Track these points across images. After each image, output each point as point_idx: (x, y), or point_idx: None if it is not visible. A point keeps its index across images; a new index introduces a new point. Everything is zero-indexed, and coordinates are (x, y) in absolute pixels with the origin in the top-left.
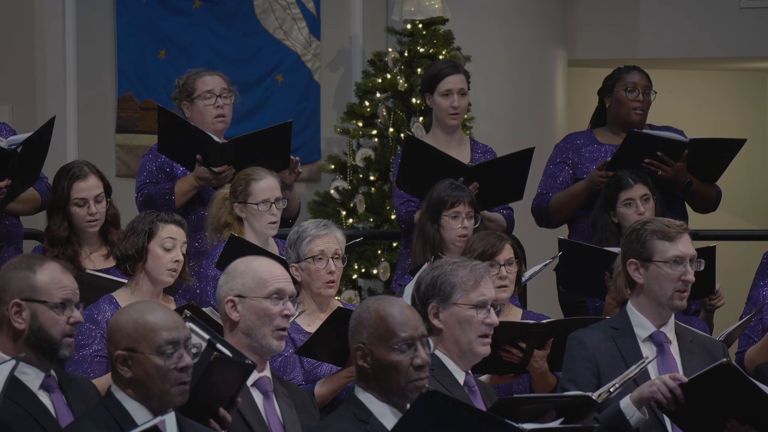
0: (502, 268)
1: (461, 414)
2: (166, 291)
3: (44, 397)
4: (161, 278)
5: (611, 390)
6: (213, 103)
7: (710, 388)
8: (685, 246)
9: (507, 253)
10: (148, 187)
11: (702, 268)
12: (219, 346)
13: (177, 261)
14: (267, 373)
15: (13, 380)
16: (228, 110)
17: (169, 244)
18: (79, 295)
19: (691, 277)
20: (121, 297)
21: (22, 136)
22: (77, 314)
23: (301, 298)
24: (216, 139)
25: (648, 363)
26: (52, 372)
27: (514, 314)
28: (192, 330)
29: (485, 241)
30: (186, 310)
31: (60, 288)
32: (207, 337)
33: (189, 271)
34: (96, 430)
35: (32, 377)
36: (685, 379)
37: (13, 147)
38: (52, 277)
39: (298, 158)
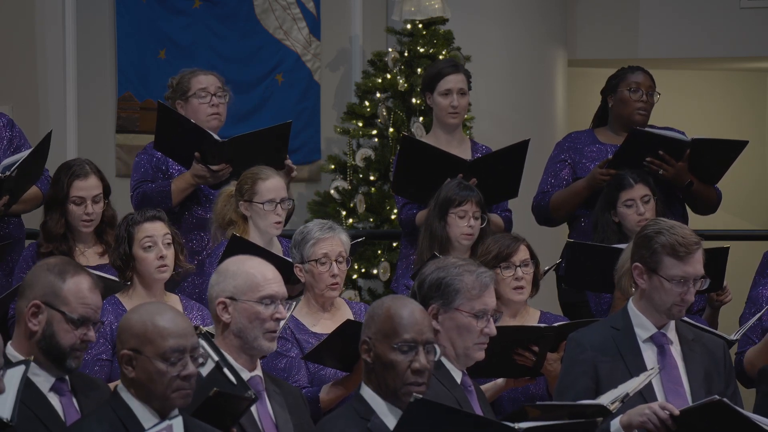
0: (518, 269)
1: (454, 418)
2: (173, 289)
3: (54, 400)
4: (154, 277)
5: (624, 400)
6: (208, 102)
7: (703, 420)
8: (693, 266)
9: (522, 254)
10: (143, 186)
11: (705, 287)
12: (225, 371)
13: (162, 257)
14: (258, 372)
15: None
16: (222, 109)
17: (148, 242)
18: (100, 315)
19: (691, 297)
20: (124, 300)
21: (19, 157)
22: (91, 334)
23: (304, 297)
24: (215, 137)
25: (660, 372)
26: (66, 376)
27: (532, 315)
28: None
29: (500, 243)
30: (200, 326)
31: (82, 304)
32: (216, 359)
33: (184, 258)
34: (100, 429)
35: (43, 379)
36: (677, 411)
37: (7, 174)
38: (78, 291)
39: (294, 166)
